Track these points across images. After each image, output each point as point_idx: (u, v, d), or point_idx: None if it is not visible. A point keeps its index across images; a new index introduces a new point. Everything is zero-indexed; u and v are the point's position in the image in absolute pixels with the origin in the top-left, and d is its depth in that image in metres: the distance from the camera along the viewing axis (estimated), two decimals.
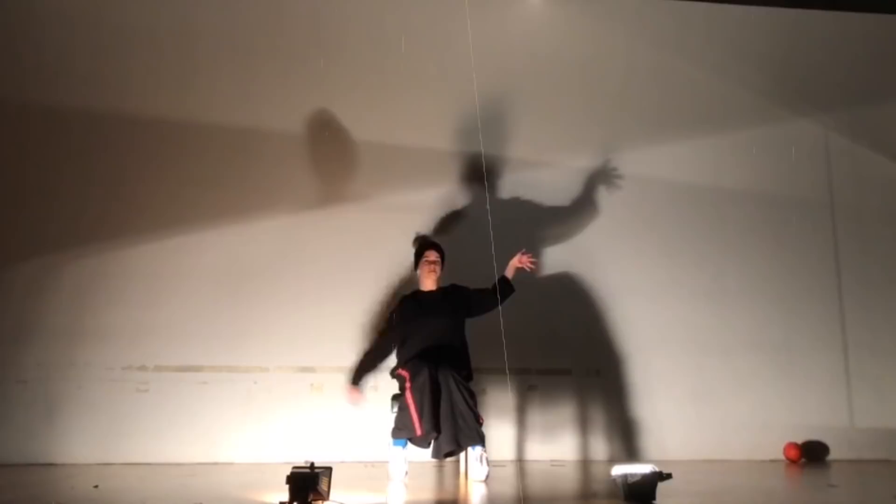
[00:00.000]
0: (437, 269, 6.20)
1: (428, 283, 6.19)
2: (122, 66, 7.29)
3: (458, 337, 6.06)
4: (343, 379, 6.79)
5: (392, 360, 6.14)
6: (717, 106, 7.93)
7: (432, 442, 5.46)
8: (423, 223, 7.19)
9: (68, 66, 7.25)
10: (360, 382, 5.96)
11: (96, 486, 5.11)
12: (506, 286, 6.15)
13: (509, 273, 6.23)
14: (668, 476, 4.36)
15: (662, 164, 7.76)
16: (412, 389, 5.43)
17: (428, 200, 7.36)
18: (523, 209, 7.46)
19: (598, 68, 7.82)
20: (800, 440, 7.27)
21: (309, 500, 4.12)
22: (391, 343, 6.09)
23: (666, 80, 7.87)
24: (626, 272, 7.52)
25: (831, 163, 8.03)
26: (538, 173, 7.54)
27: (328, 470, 4.33)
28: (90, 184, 7.10)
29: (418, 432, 5.37)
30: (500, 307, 6.03)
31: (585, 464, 6.94)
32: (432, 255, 6.21)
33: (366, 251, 7.10)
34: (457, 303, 6.12)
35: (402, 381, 5.67)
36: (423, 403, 5.36)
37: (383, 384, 6.42)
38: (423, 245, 6.28)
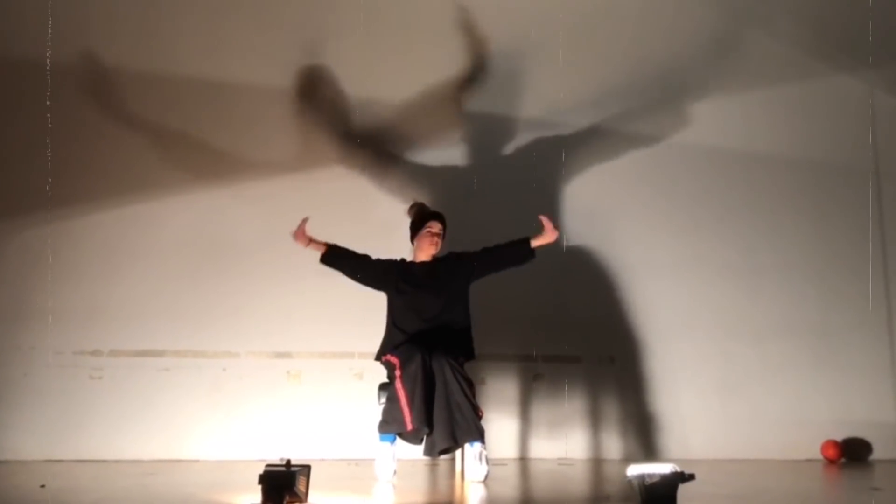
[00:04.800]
0: (440, 241, 6.11)
1: (424, 255, 6.09)
2: (75, 9, 7.19)
3: (458, 313, 5.97)
4: (324, 365, 6.79)
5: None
6: (748, 60, 7.87)
7: (425, 438, 5.43)
8: (418, 189, 7.12)
9: (13, 8, 7.14)
10: (326, 255, 6.07)
11: (43, 486, 5.07)
12: (529, 251, 6.05)
13: (535, 243, 6.09)
14: (691, 477, 4.32)
15: (686, 125, 7.71)
16: (402, 378, 5.39)
17: (423, 164, 7.31)
18: (529, 173, 7.41)
19: (613, 18, 7.75)
20: (840, 437, 7.28)
21: (284, 502, 4.08)
22: (369, 268, 6.06)
23: (689, 30, 7.80)
24: (645, 247, 7.51)
25: (876, 124, 8.00)
26: (547, 133, 7.49)
27: (306, 468, 4.30)
28: (38, 145, 6.99)
29: (409, 426, 5.32)
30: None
31: (597, 463, 6.96)
32: (436, 227, 6.10)
33: (352, 221, 7.02)
34: (458, 271, 6.03)
35: (390, 368, 5.61)
36: (415, 394, 5.32)
37: (369, 372, 6.39)
38: (425, 214, 6.18)
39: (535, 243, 5.99)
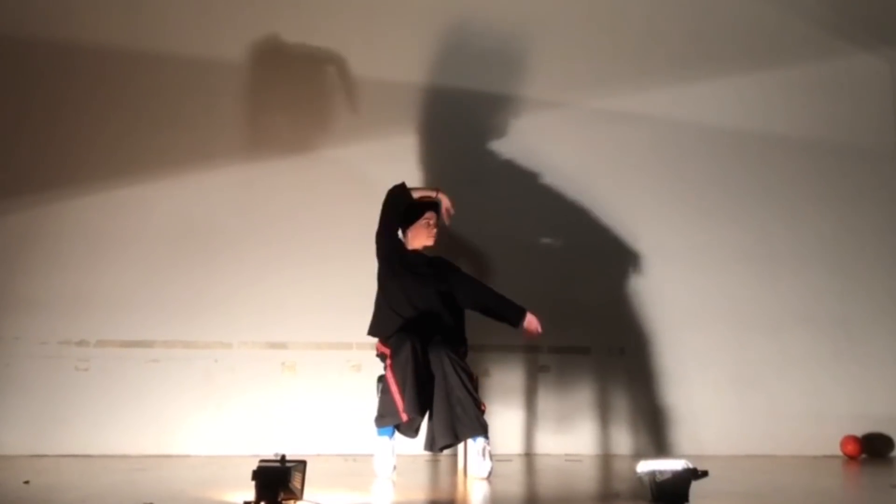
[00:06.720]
0: (436, 231, 6.12)
1: (419, 245, 6.09)
2: None
3: (450, 305, 5.98)
4: (320, 356, 6.79)
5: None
6: (765, 37, 7.86)
7: (425, 430, 5.41)
8: (413, 173, 7.08)
9: None
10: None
11: (27, 482, 5.05)
12: (515, 322, 6.05)
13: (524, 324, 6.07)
14: (704, 474, 4.32)
15: (700, 105, 7.71)
16: (393, 367, 5.38)
17: (419, 146, 7.29)
18: (535, 155, 7.39)
19: None
20: (860, 433, 7.27)
21: (279, 499, 4.07)
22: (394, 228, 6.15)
23: (704, 5, 7.77)
24: (657, 233, 7.49)
25: None
26: (553, 114, 7.46)
27: (302, 464, 4.29)
28: (20, 125, 7.02)
29: (403, 418, 5.32)
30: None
31: (606, 459, 6.95)
32: (434, 218, 6.13)
33: (346, 205, 7.02)
34: (446, 278, 6.03)
35: (383, 359, 5.63)
36: (406, 382, 5.31)
37: (367, 364, 6.38)
38: (422, 205, 6.18)
39: (524, 325, 6.00)
